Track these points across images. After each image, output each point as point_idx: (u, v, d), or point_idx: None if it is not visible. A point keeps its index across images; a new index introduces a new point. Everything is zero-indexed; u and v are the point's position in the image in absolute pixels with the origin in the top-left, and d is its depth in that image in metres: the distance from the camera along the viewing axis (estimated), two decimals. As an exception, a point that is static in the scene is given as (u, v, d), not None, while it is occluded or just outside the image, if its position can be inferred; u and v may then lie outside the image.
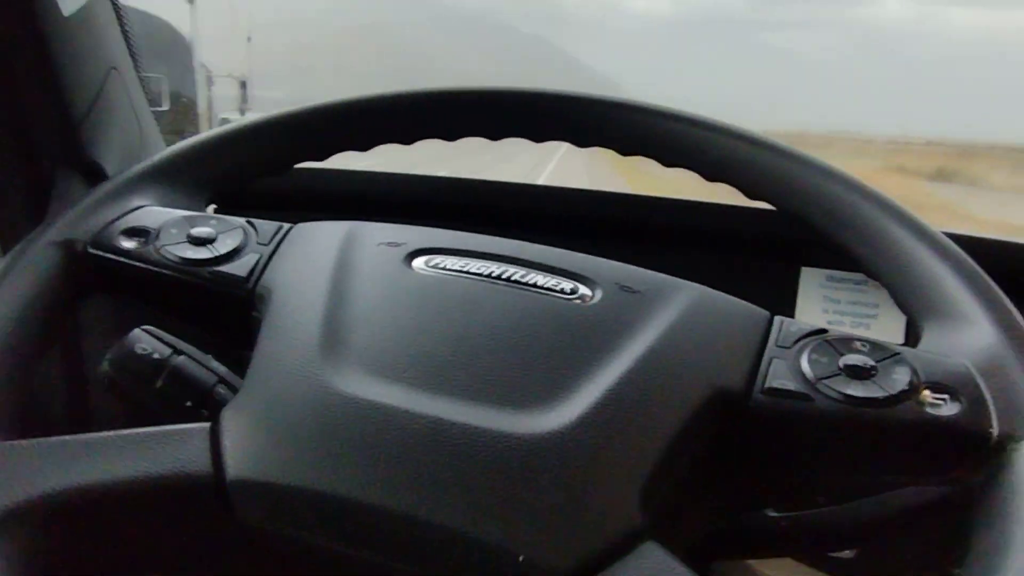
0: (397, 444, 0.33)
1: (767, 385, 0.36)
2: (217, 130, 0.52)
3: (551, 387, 0.35)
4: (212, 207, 0.53)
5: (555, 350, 0.37)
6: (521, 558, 0.30)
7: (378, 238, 0.44)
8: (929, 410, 0.35)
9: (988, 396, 0.35)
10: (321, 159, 0.54)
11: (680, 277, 0.43)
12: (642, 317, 0.39)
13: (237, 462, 0.33)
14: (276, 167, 0.53)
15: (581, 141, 0.53)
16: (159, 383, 0.44)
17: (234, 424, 0.34)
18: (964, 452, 0.34)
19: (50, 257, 0.43)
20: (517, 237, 0.45)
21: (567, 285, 0.41)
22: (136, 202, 0.47)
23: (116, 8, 0.74)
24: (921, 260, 0.42)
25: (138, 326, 0.47)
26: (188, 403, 0.44)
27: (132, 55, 0.77)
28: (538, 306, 0.40)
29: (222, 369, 0.47)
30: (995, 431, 0.34)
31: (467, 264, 0.42)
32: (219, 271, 0.43)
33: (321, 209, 0.85)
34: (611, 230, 0.82)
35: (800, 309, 0.76)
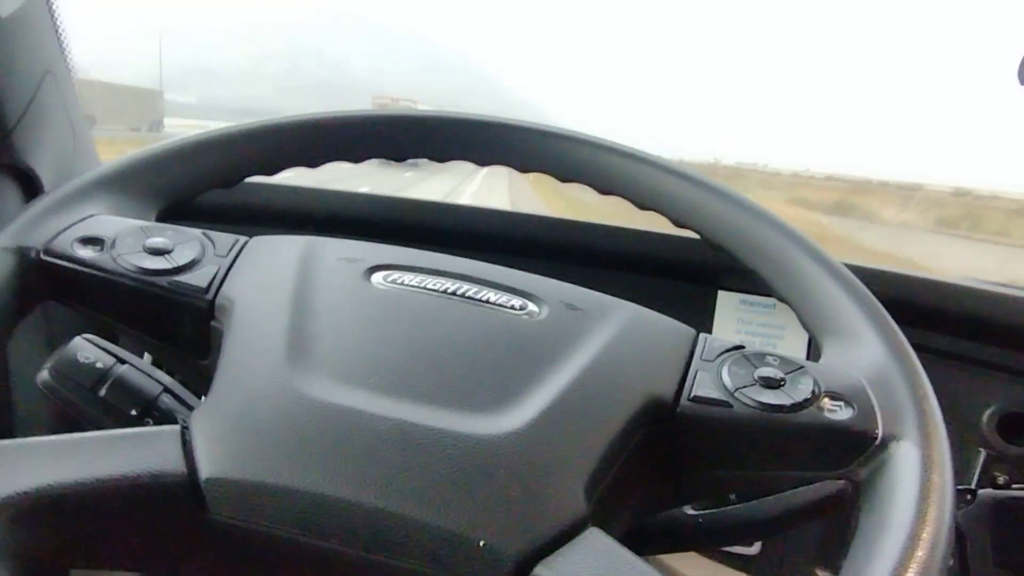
0: (364, 443, 0.34)
1: (693, 393, 0.41)
2: (170, 142, 0.52)
3: (505, 393, 0.38)
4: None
5: (507, 360, 0.40)
6: (482, 543, 0.32)
7: (336, 253, 0.46)
8: (827, 415, 0.40)
9: (875, 403, 0.40)
10: (271, 174, 0.56)
11: (613, 295, 0.46)
12: (584, 332, 0.43)
13: (210, 461, 0.34)
14: (226, 180, 0.54)
15: (524, 167, 0.57)
16: (103, 392, 0.44)
17: (205, 426, 0.35)
18: (855, 450, 0.40)
19: (2, 264, 0.42)
20: (456, 254, 0.48)
21: (517, 302, 0.44)
22: (88, 210, 0.47)
23: (51, 11, 0.73)
24: (822, 286, 0.48)
25: (74, 334, 0.47)
26: (133, 412, 0.45)
27: (66, 59, 0.76)
28: (491, 320, 0.43)
29: (167, 378, 0.47)
30: (880, 432, 0.39)
31: (424, 280, 0.44)
32: (178, 281, 0.43)
33: (266, 223, 0.86)
34: (547, 251, 0.87)
35: (717, 328, 0.82)
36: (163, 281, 0.43)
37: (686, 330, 0.45)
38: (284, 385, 0.36)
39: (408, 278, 0.44)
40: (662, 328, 0.45)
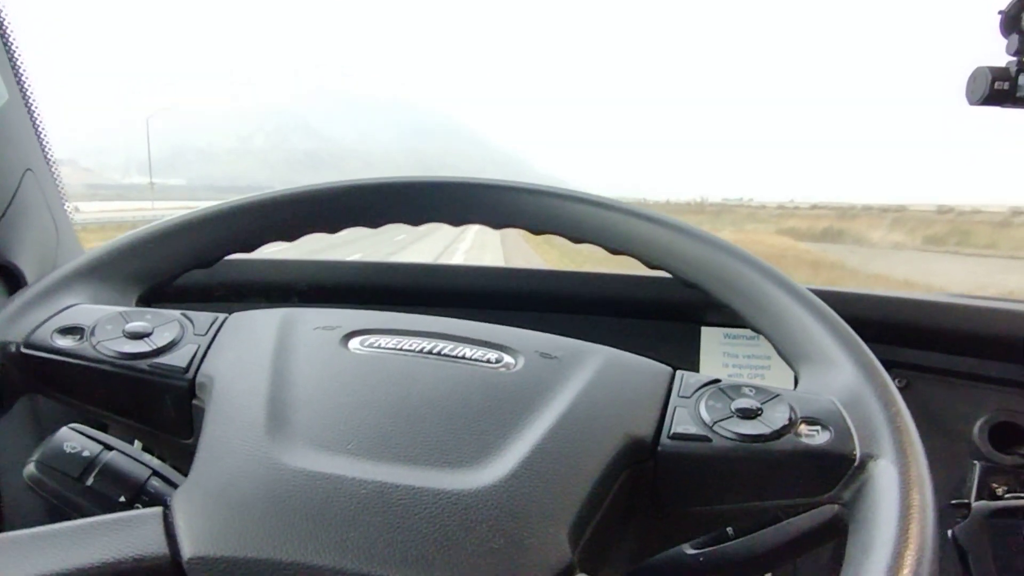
0: (346, 509, 0.35)
1: (672, 431, 0.41)
2: (146, 228, 0.54)
3: (483, 447, 0.39)
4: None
5: (484, 413, 0.41)
6: None
7: (313, 323, 0.46)
8: (804, 440, 0.40)
9: (850, 424, 0.41)
10: (250, 251, 0.57)
11: (594, 342, 0.47)
12: (560, 379, 0.43)
13: (193, 541, 0.34)
14: (205, 260, 0.55)
15: (497, 223, 0.58)
16: (90, 481, 0.44)
17: (186, 505, 0.35)
18: (835, 473, 0.40)
19: None
20: (438, 314, 0.49)
21: (492, 355, 0.45)
22: (67, 301, 0.48)
23: (30, 109, 0.75)
24: (793, 315, 0.49)
25: (63, 424, 0.47)
26: (121, 498, 0.45)
27: (47, 155, 0.78)
28: (467, 375, 0.43)
29: (155, 462, 0.47)
30: (858, 453, 0.40)
31: (400, 342, 0.45)
32: (158, 363, 0.44)
33: (250, 298, 0.87)
34: (533, 303, 0.88)
35: (703, 364, 0.83)
36: (143, 364, 0.44)
37: (662, 369, 0.46)
38: (264, 457, 0.37)
39: (385, 341, 0.45)
40: (638, 369, 0.46)
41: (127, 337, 0.45)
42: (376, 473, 0.36)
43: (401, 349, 0.45)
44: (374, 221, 0.58)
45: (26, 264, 0.69)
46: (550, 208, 0.58)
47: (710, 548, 0.54)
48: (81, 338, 0.45)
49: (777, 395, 0.43)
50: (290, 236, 0.57)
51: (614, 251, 0.57)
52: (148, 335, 0.45)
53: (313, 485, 0.35)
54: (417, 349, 0.45)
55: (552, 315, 0.87)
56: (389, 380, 0.42)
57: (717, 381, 0.44)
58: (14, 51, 0.72)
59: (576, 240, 0.58)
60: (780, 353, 0.50)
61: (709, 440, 0.41)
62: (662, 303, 0.86)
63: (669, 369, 0.46)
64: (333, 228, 0.57)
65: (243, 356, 0.44)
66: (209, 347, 0.45)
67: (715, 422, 0.41)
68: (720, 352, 0.83)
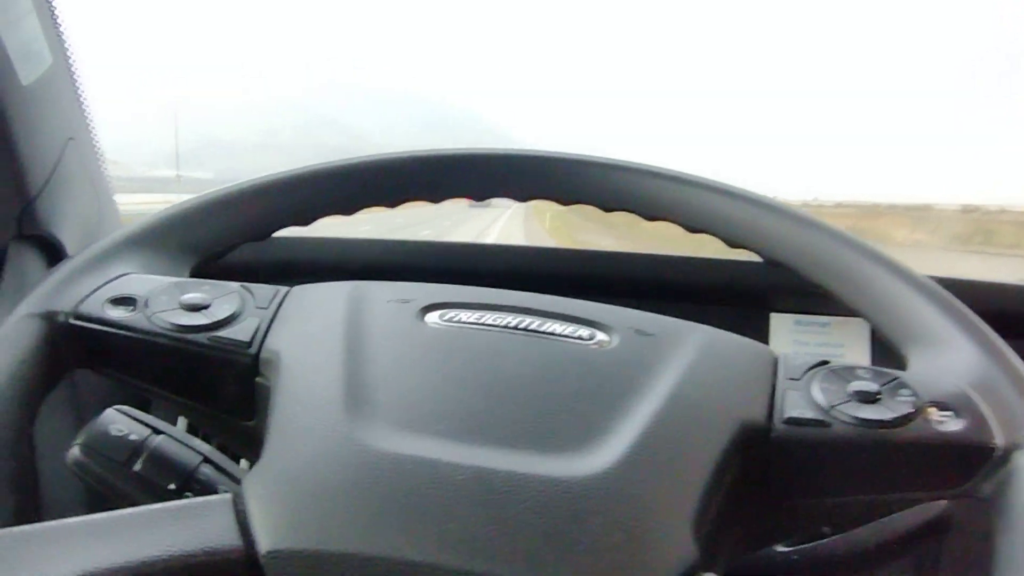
0: (443, 497, 0.31)
1: (786, 415, 0.37)
2: (200, 196, 0.50)
3: (587, 430, 0.35)
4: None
5: (584, 393, 0.37)
6: None
7: (385, 296, 0.43)
8: (936, 427, 0.36)
9: (986, 411, 0.37)
10: (305, 224, 0.53)
11: None
12: (661, 358, 0.39)
13: (269, 532, 0.30)
14: (260, 232, 0.51)
15: (565, 199, 0.55)
16: (137, 466, 0.41)
17: (260, 491, 0.31)
18: (972, 464, 0.36)
19: (29, 331, 0.39)
20: None
21: (584, 332, 0.41)
22: (118, 270, 0.44)
23: (72, 77, 0.72)
24: (901, 294, 0.45)
25: (104, 406, 0.44)
26: (171, 486, 0.41)
27: (89, 125, 0.75)
28: (560, 352, 0.39)
29: (205, 447, 0.44)
30: (998, 442, 0.36)
31: (482, 316, 0.41)
32: (219, 336, 0.40)
33: (300, 278, 0.84)
34: (585, 285, 0.84)
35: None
36: (202, 337, 0.40)
37: (765, 349, 0.42)
38: (345, 439, 0.33)
39: (465, 315, 0.41)
40: (740, 349, 0.42)
41: (184, 309, 0.41)
42: (472, 457, 0.32)
43: (484, 324, 0.41)
44: (436, 195, 0.54)
45: (67, 236, 0.66)
46: (623, 183, 0.54)
47: (805, 546, 0.50)
48: (134, 309, 0.41)
49: (896, 377, 0.39)
50: (348, 209, 0.53)
51: (692, 229, 0.53)
52: (206, 307, 0.41)
53: (403, 470, 0.32)
54: (502, 324, 0.41)
55: (611, 299, 0.83)
56: (475, 357, 0.38)
57: (826, 362, 0.40)
58: (57, 15, 0.69)
59: (650, 217, 0.54)
60: (885, 335, 0.46)
61: (828, 425, 0.37)
62: (727, 287, 0.82)
63: (771, 350, 0.42)
64: (393, 202, 0.54)
65: (311, 331, 0.40)
66: (272, 321, 0.41)
67: (832, 406, 0.37)
68: (790, 340, 0.78)
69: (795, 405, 0.38)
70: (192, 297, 0.42)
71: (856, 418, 0.37)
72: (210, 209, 0.50)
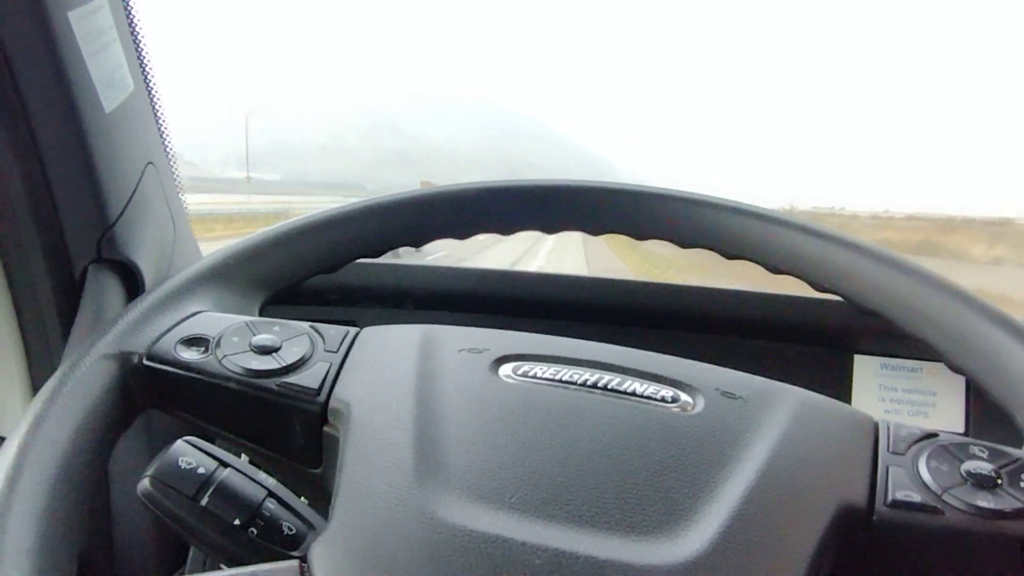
0: None
1: (891, 497, 0.34)
2: (270, 230, 0.50)
3: (672, 509, 0.32)
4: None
5: (667, 466, 0.34)
6: None
7: (458, 343, 0.41)
8: None
9: None
10: (375, 256, 0.53)
11: (728, 365, 0.41)
12: (750, 426, 0.37)
13: None
14: (330, 265, 0.51)
15: (641, 235, 0.53)
16: (205, 500, 0.40)
17: (328, 562, 0.31)
18: None
19: (104, 372, 0.39)
20: (566, 328, 0.43)
21: (667, 392, 0.38)
22: (191, 307, 0.44)
23: (153, 102, 0.73)
24: (1016, 356, 0.41)
25: (174, 434, 0.44)
26: (236, 521, 0.41)
27: (167, 149, 0.76)
28: (641, 417, 0.37)
29: (270, 481, 0.43)
30: None
31: (558, 372, 0.39)
32: (288, 383, 0.39)
33: (365, 302, 0.84)
34: (655, 319, 0.81)
35: (856, 398, 0.74)
36: (272, 383, 0.40)
37: (864, 417, 0.39)
38: (416, 509, 0.32)
39: (540, 369, 0.40)
40: (837, 416, 0.39)
41: (255, 351, 0.41)
42: (549, 537, 0.31)
43: (560, 381, 0.39)
44: (507, 227, 0.53)
45: (144, 262, 0.67)
46: (704, 219, 0.51)
47: None
48: (206, 351, 0.41)
49: (1017, 459, 0.35)
50: (418, 241, 0.53)
51: (776, 270, 0.50)
52: (276, 350, 0.41)
53: (476, 548, 0.30)
54: (579, 381, 0.39)
55: (682, 334, 0.80)
56: (552, 418, 0.36)
57: (934, 436, 0.37)
58: (140, 41, 0.70)
59: (731, 256, 0.51)
60: (997, 402, 0.42)
61: (939, 512, 0.33)
62: (805, 325, 0.78)
63: (871, 418, 0.39)
64: (463, 234, 0.53)
65: (382, 379, 0.39)
66: (342, 366, 0.40)
67: (944, 489, 0.34)
68: (875, 385, 0.74)
69: (901, 485, 0.34)
70: (263, 339, 0.41)
71: (972, 505, 0.33)
72: (281, 243, 0.50)
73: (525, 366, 0.40)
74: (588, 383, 0.39)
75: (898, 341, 0.75)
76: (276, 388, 0.39)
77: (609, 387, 0.38)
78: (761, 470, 0.34)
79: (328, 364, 0.40)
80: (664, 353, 0.42)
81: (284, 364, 0.40)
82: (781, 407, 0.38)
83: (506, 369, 0.40)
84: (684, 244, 0.52)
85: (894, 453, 0.36)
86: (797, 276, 0.50)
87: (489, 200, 0.53)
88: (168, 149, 0.76)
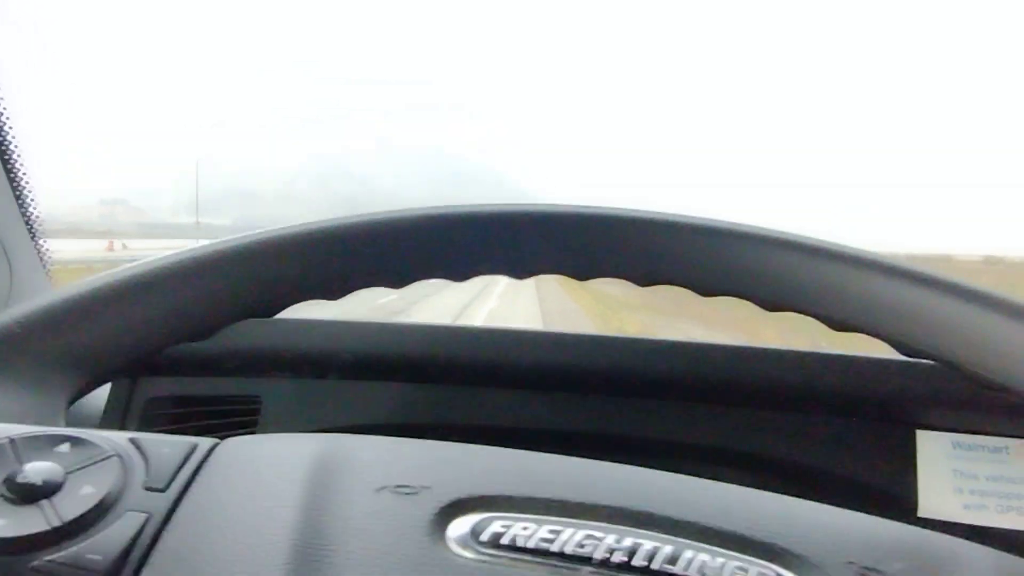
0: None
1: None
2: (98, 278, 0.31)
3: None
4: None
5: None
6: None
7: (377, 476, 0.23)
8: None
9: None
10: (270, 314, 0.36)
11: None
12: None
13: None
14: (196, 331, 0.33)
15: (642, 282, 0.38)
16: None
17: None
18: None
19: None
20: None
21: (758, 571, 0.22)
22: None
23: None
24: None
25: None
26: None
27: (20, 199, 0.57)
28: None
29: None
30: None
31: (559, 533, 0.22)
32: (56, 561, 0.21)
33: (267, 370, 0.64)
34: (658, 387, 0.63)
35: (923, 485, 0.57)
36: (23, 563, 0.21)
37: None
38: None
39: (520, 530, 0.22)
40: None
41: (7, 497, 0.23)
42: None
43: (563, 554, 0.22)
44: (461, 269, 0.38)
45: None
46: (724, 255, 0.37)
47: None
48: None
49: None
50: (335, 291, 0.36)
51: (839, 326, 0.36)
52: (53, 491, 0.23)
53: None
54: (599, 558, 0.21)
55: (693, 407, 0.62)
56: None
57: None
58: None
59: (772, 308, 0.38)
60: None
61: None
62: (850, 391, 0.61)
63: None
64: (399, 280, 0.37)
65: (235, 550, 0.22)
66: (167, 520, 0.23)
67: None
68: (948, 469, 0.57)
69: None
70: (32, 471, 0.23)
71: None
72: (117, 296, 0.32)
73: (496, 523, 0.22)
74: (611, 561, 0.21)
75: (968, 411, 0.58)
76: (29, 571, 0.21)
77: (654, 569, 0.21)
78: None
79: (144, 517, 0.23)
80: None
81: (56, 523, 0.22)
82: None
83: (460, 527, 0.22)
84: (705, 292, 0.38)
85: None
86: (871, 334, 0.35)
87: (438, 232, 0.37)
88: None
